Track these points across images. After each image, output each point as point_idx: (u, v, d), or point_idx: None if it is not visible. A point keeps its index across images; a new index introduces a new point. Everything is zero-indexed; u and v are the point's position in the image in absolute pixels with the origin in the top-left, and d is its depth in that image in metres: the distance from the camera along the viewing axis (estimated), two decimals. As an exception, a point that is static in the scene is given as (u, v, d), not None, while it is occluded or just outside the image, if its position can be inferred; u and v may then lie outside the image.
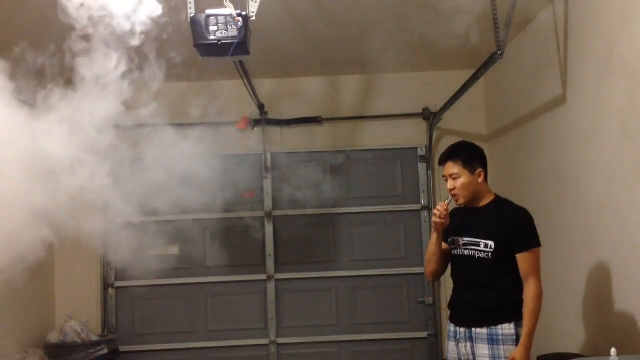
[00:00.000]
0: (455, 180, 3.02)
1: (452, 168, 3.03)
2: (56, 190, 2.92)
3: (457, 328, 3.05)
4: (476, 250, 2.99)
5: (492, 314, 2.94)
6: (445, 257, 3.18)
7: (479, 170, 3.03)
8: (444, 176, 3.11)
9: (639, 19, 2.86)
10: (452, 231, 3.11)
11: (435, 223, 3.05)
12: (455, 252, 3.10)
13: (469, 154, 3.05)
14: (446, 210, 3.03)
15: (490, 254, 2.95)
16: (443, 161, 3.09)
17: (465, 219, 3.09)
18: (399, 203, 5.32)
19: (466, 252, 3.04)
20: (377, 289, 5.27)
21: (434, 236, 3.12)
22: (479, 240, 2.99)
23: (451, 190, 3.06)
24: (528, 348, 2.84)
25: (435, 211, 3.05)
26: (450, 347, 3.09)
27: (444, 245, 3.15)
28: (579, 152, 3.53)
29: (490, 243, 2.95)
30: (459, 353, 3.02)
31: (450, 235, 3.12)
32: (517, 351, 2.84)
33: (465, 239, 3.04)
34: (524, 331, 2.86)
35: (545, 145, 4.02)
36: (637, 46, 2.88)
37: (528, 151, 4.35)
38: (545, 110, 3.98)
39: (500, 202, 3.07)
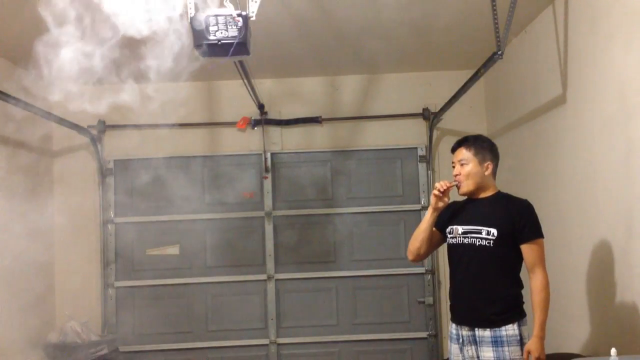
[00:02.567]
0: (463, 166, 3.03)
1: (463, 154, 3.04)
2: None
3: (460, 330, 3.02)
4: (477, 237, 2.96)
5: (494, 307, 2.90)
6: (431, 243, 3.15)
7: (488, 162, 3.03)
8: (452, 163, 3.10)
9: (639, 19, 2.87)
10: (450, 220, 3.09)
11: (434, 196, 3.02)
12: (453, 241, 3.06)
13: (482, 145, 3.06)
14: (448, 187, 3.01)
15: (492, 242, 2.92)
16: (456, 148, 3.10)
17: (465, 208, 3.08)
18: (399, 203, 5.32)
19: (466, 241, 3.00)
20: (377, 289, 5.27)
21: (429, 213, 3.08)
22: (480, 227, 2.96)
23: (456, 175, 3.05)
24: (542, 338, 2.82)
25: (436, 184, 3.03)
26: (454, 349, 3.06)
27: (434, 230, 3.12)
28: (579, 152, 3.53)
29: (493, 231, 2.92)
30: (463, 357, 2.99)
31: (448, 224, 3.09)
32: (532, 343, 2.83)
33: (465, 227, 3.01)
34: (536, 322, 2.84)
35: (545, 145, 4.02)
36: (637, 46, 2.88)
37: (528, 151, 4.35)
38: (545, 110, 3.98)
39: (501, 195, 3.07)
